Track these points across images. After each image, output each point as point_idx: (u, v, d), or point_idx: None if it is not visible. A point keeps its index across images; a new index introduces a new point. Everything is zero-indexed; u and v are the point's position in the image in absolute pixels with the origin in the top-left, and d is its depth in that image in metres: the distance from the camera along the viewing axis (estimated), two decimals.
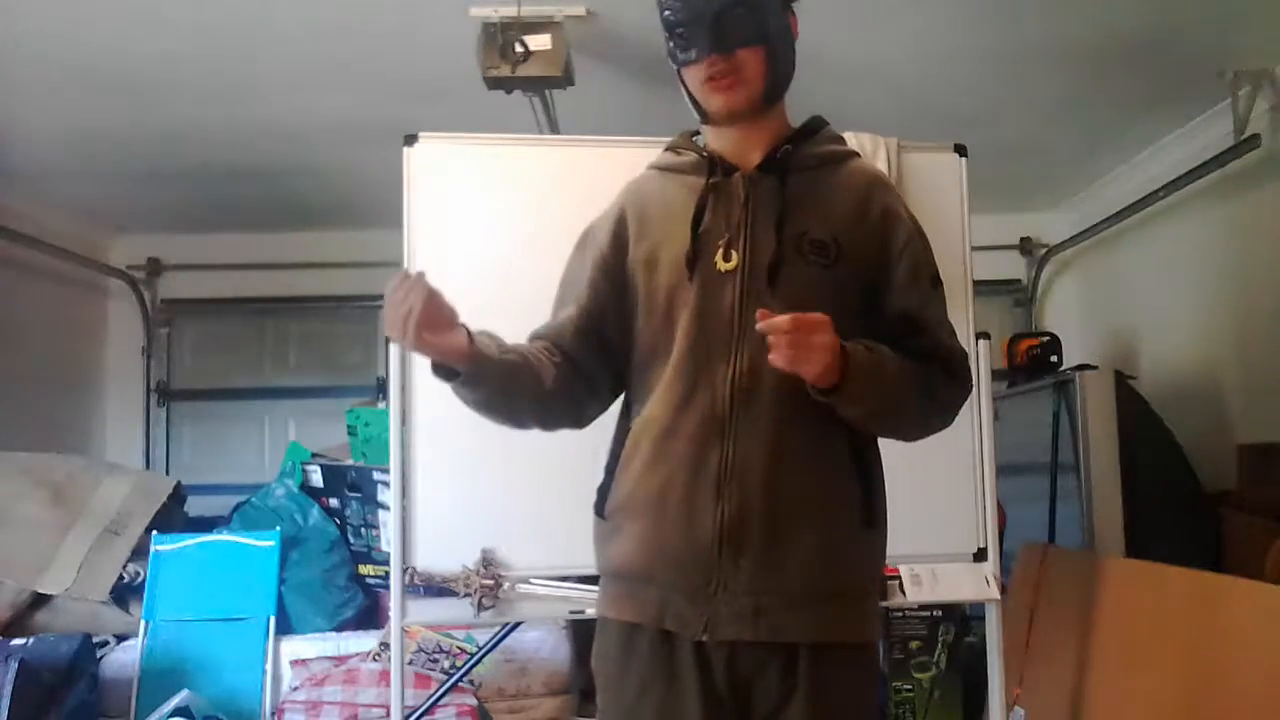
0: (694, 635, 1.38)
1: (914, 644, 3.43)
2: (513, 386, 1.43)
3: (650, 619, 1.41)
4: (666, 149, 1.58)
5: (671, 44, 1.44)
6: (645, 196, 1.54)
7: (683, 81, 1.48)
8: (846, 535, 1.41)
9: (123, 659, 3.34)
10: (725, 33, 1.40)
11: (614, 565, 1.47)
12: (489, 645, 2.97)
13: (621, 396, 1.56)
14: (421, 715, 2.81)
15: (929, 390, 1.43)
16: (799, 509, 1.38)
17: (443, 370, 1.37)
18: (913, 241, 1.48)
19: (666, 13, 1.44)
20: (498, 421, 1.49)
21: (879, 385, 1.36)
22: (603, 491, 1.50)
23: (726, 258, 1.42)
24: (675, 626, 1.40)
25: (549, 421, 1.53)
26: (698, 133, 1.55)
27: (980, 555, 2.68)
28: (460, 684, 3.06)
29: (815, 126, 1.54)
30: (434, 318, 1.29)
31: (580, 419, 1.55)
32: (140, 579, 3.49)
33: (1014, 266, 5.48)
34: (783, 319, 1.26)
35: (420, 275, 1.28)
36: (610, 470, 1.50)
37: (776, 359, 1.28)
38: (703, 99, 1.46)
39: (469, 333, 1.36)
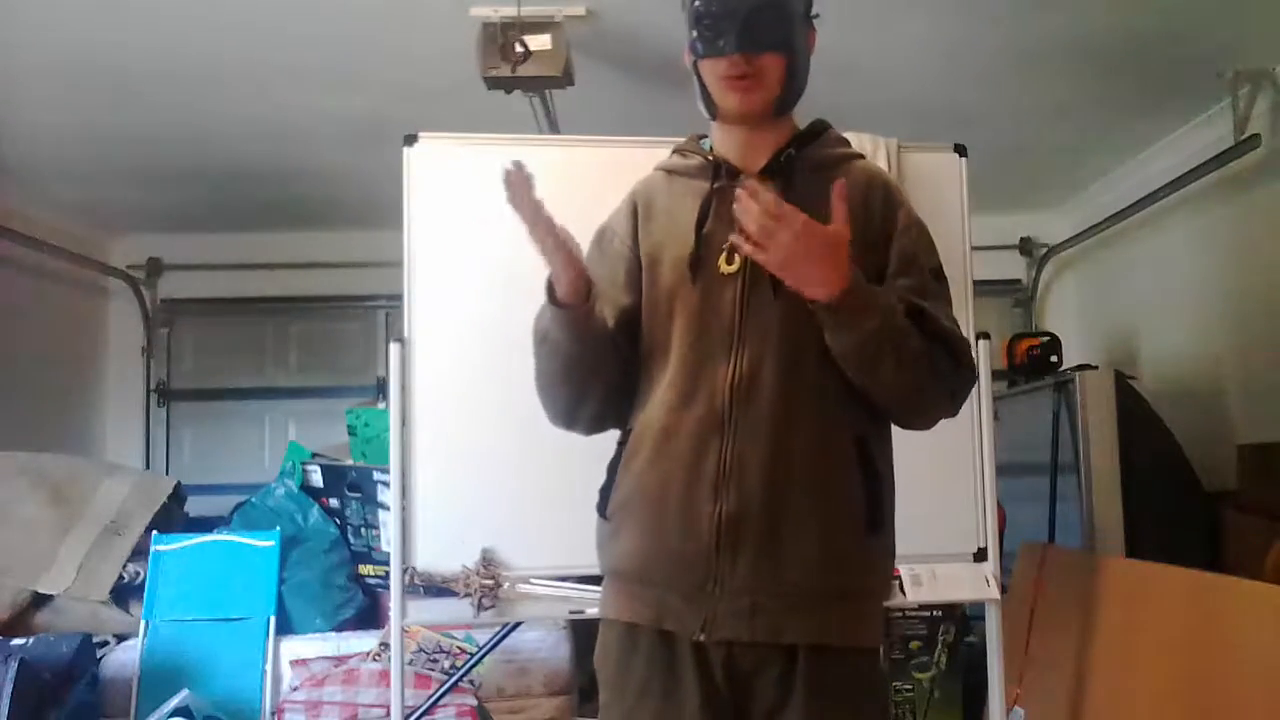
0: (692, 635, 1.38)
1: (914, 644, 3.43)
2: (601, 358, 1.44)
3: (649, 619, 1.41)
4: (673, 152, 1.58)
5: (695, 35, 1.43)
6: (652, 195, 1.55)
7: (698, 75, 1.47)
8: (848, 537, 1.39)
9: (123, 659, 3.33)
10: (754, 33, 1.40)
11: (615, 565, 1.48)
12: (489, 645, 2.97)
13: None
14: (421, 715, 2.81)
15: (931, 362, 1.37)
16: (798, 509, 1.37)
17: (554, 296, 1.38)
18: (910, 230, 1.47)
19: (698, 3, 1.42)
20: (560, 399, 1.49)
21: (880, 316, 1.32)
22: (604, 491, 1.49)
23: (730, 260, 1.42)
24: (674, 626, 1.40)
25: (607, 415, 1.51)
26: (704, 136, 1.55)
27: (980, 555, 2.68)
28: (460, 684, 3.06)
29: (819, 129, 1.53)
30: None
31: (622, 422, 1.52)
32: (140, 579, 3.48)
33: (1014, 266, 5.48)
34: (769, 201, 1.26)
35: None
36: (612, 470, 1.49)
37: (757, 252, 1.27)
38: (718, 96, 1.45)
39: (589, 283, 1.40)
